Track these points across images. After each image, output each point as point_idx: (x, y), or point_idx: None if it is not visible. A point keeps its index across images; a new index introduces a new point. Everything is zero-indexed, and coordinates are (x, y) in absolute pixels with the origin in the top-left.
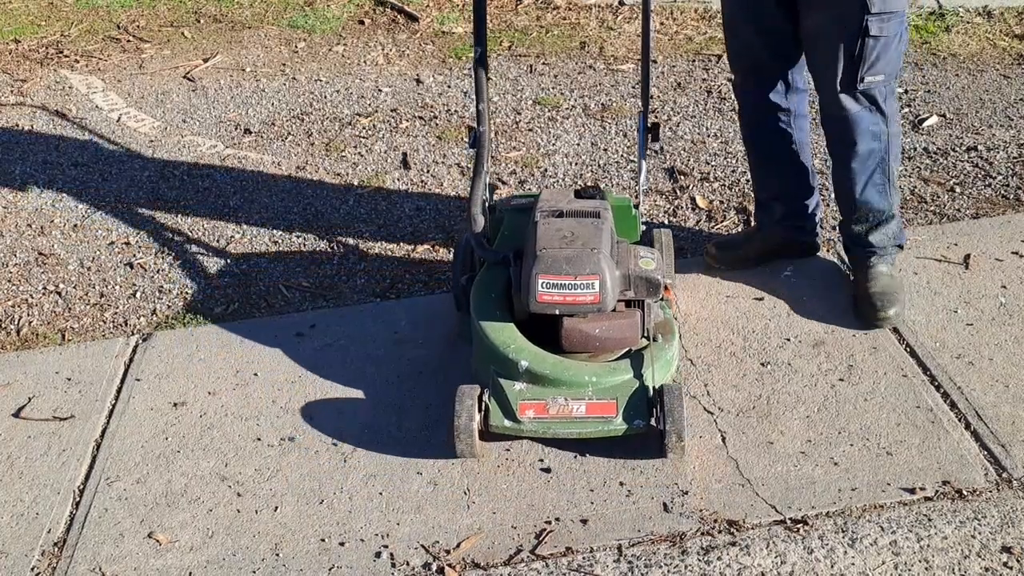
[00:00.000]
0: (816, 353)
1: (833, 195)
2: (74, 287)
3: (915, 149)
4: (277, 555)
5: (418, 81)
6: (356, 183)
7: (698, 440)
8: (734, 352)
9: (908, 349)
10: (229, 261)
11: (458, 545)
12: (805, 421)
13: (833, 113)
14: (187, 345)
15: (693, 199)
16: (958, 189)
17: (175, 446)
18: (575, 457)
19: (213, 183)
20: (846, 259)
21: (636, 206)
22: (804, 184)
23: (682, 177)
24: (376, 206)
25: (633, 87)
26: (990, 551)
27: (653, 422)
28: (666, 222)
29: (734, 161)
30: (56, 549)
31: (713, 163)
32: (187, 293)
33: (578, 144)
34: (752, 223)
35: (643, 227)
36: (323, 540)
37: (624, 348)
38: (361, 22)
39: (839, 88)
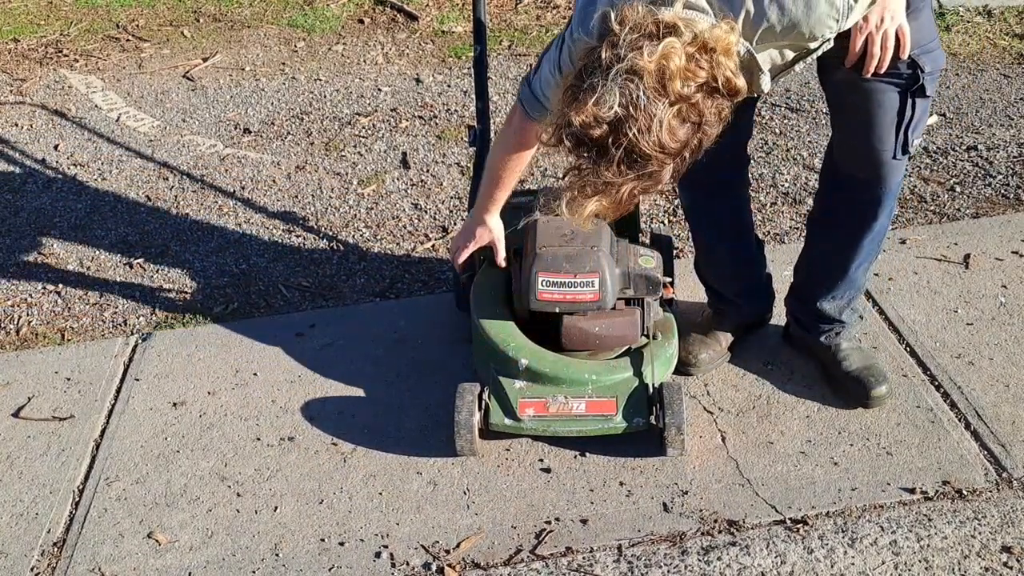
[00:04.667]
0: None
1: (799, 273)
2: (74, 287)
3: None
4: (277, 555)
5: (418, 80)
6: (356, 183)
7: (698, 440)
8: (734, 352)
9: (908, 349)
10: (229, 261)
11: (458, 545)
12: (805, 421)
13: (868, 184)
14: (187, 345)
15: None
16: (958, 188)
17: (174, 446)
18: (575, 457)
19: (212, 183)
20: (804, 338)
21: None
22: (762, 260)
23: None
24: (376, 206)
25: None
26: (990, 551)
27: (653, 420)
28: (666, 222)
29: None
30: (56, 549)
31: None
32: (187, 293)
33: None
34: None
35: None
36: (323, 540)
37: (624, 346)
38: (361, 21)
39: (894, 155)
